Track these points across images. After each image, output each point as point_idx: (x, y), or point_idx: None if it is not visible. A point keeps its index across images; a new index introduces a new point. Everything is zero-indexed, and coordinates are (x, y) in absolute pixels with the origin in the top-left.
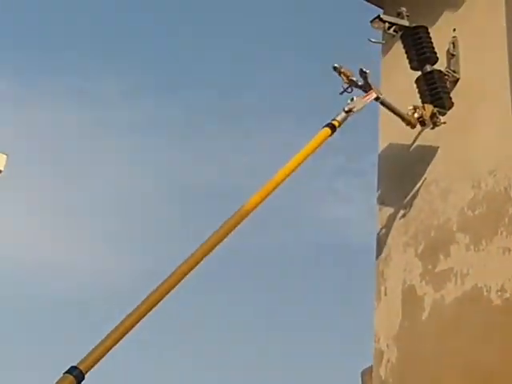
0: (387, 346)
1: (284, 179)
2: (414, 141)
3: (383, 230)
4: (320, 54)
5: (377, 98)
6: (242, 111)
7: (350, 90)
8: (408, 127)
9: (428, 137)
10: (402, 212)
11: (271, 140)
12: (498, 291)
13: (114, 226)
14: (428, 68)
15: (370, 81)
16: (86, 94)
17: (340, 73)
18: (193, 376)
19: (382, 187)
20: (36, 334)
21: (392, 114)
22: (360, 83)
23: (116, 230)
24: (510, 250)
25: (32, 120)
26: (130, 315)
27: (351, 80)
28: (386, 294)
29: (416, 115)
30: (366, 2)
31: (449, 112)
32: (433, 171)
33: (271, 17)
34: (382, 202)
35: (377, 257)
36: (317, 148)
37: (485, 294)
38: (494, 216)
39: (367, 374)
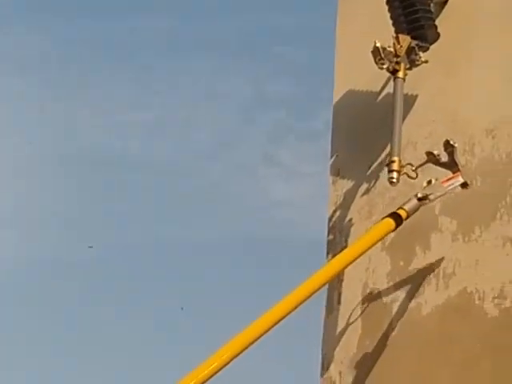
0: (340, 373)
1: (328, 280)
2: (383, 87)
3: (338, 213)
4: None
5: (464, 184)
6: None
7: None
8: (376, 68)
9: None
10: (364, 187)
11: (181, 88)
12: (494, 298)
13: None
14: None
15: (456, 159)
16: None
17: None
18: None
19: (337, 153)
20: None
21: (352, 51)
22: (443, 160)
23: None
24: None
25: None
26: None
27: (431, 155)
28: (339, 303)
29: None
30: None
31: (432, 46)
32: (409, 130)
33: None
34: (336, 173)
35: (328, 250)
36: (374, 244)
37: (477, 301)
38: (491, 193)
39: None
